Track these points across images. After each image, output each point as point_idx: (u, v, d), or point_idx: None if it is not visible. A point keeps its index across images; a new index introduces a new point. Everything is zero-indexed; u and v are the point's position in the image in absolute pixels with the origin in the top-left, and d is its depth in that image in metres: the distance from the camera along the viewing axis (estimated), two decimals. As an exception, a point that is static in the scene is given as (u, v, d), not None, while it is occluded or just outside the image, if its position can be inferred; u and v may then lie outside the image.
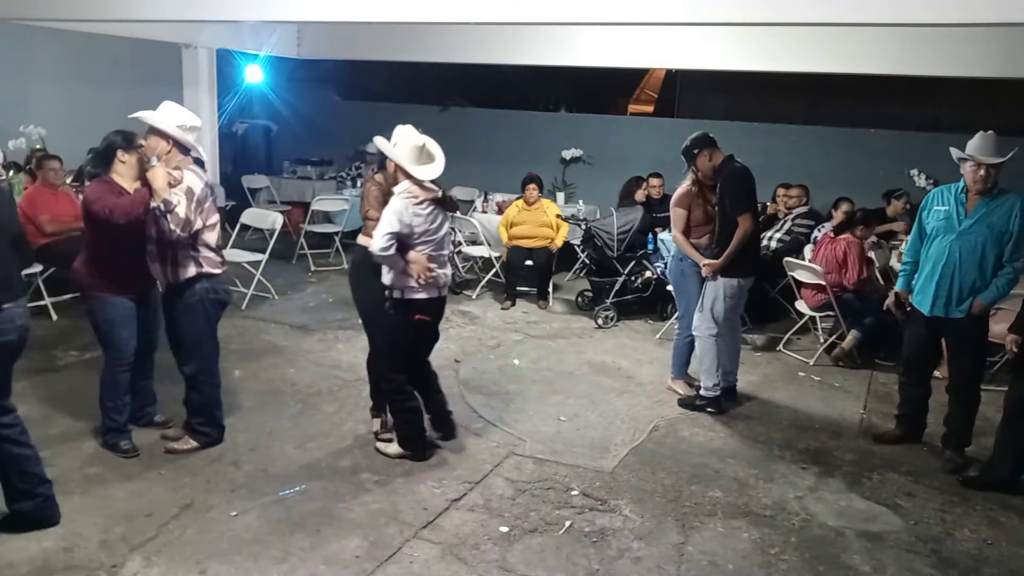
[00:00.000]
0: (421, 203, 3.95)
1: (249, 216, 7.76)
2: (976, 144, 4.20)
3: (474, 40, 7.44)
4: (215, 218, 4.08)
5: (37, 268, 6.16)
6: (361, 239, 4.36)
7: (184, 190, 3.87)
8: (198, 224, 3.94)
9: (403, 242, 3.94)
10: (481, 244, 7.92)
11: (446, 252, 4.18)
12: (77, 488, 3.80)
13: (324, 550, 3.42)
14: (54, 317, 6.26)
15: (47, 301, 6.26)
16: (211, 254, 4.07)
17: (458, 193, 9.85)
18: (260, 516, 3.65)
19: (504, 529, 3.64)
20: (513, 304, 7.41)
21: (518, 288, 7.55)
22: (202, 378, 4.19)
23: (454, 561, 3.39)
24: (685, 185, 5.11)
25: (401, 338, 4.16)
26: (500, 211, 8.28)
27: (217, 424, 4.30)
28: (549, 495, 3.97)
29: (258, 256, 7.22)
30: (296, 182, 10.21)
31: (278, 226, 7.41)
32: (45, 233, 6.13)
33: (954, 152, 4.29)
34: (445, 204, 4.11)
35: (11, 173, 6.85)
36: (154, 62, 8.04)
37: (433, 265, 4.00)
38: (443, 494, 3.92)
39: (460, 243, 8.10)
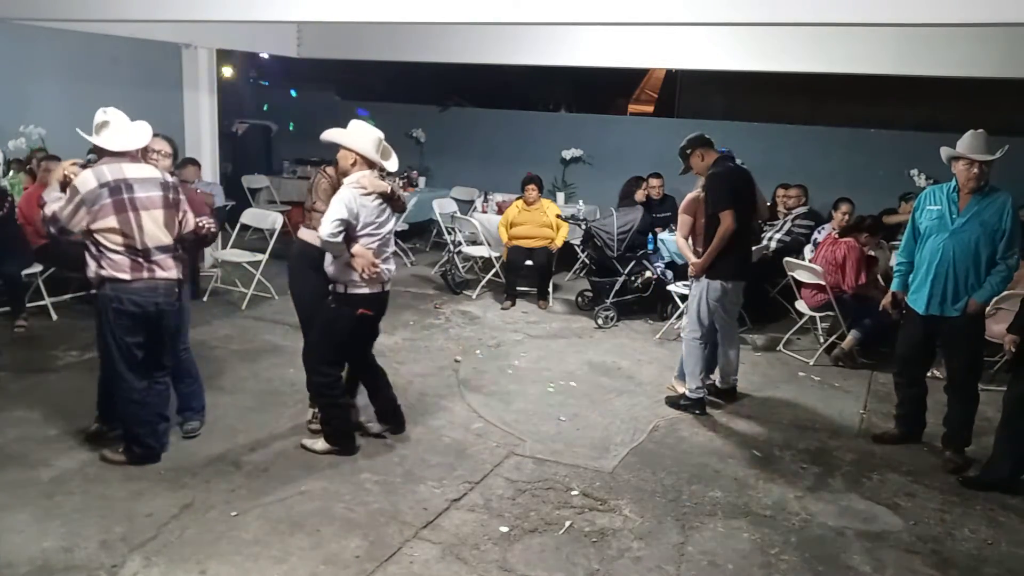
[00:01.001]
0: (369, 195, 3.99)
1: (249, 216, 7.75)
2: (967, 142, 4.21)
3: (474, 40, 7.43)
4: (110, 221, 3.73)
5: (37, 268, 6.17)
6: (303, 233, 4.31)
7: (70, 187, 3.77)
8: (81, 224, 3.72)
9: (348, 232, 3.96)
10: (481, 244, 7.93)
11: (390, 249, 4.21)
12: (77, 488, 3.80)
13: (324, 550, 3.42)
14: (54, 317, 6.26)
15: (47, 301, 6.26)
16: (118, 257, 3.78)
17: (458, 193, 9.88)
18: (260, 516, 3.65)
19: (504, 529, 3.65)
20: (513, 304, 7.41)
21: (518, 288, 7.55)
22: (115, 391, 4.00)
23: (454, 561, 3.39)
24: (694, 192, 5.13)
25: (341, 333, 4.18)
26: (500, 211, 8.29)
27: (139, 442, 4.02)
28: (549, 495, 3.97)
29: (258, 256, 7.22)
30: (296, 182, 10.21)
31: (278, 226, 7.40)
32: (43, 235, 6.12)
33: (944, 152, 4.30)
34: (393, 202, 4.13)
35: (11, 173, 6.86)
36: (154, 62, 8.04)
37: (377, 260, 4.03)
38: (443, 494, 3.92)
39: (460, 243, 8.11)
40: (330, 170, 4.24)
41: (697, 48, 7.01)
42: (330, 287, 4.11)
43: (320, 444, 4.29)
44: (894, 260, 6.47)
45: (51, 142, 7.08)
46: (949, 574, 3.49)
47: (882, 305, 4.76)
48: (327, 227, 3.87)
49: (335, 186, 4.12)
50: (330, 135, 4.10)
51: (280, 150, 11.11)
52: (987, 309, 4.47)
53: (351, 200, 3.93)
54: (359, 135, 4.08)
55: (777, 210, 7.68)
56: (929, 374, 4.75)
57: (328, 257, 4.05)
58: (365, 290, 4.07)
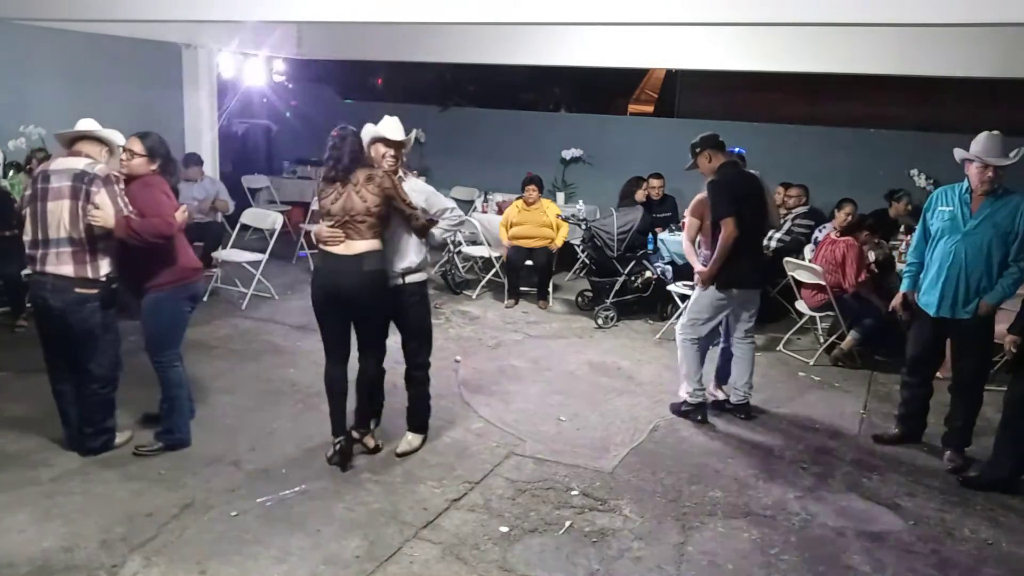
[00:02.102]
0: None
1: (249, 216, 7.76)
2: (982, 145, 4.16)
3: (474, 40, 7.44)
4: (27, 211, 3.85)
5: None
6: (376, 243, 4.01)
7: None
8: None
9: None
10: (481, 244, 7.93)
11: None
12: (77, 488, 3.80)
13: (324, 550, 3.42)
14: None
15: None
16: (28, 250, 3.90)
17: (458, 193, 9.89)
18: (260, 516, 3.65)
19: (504, 529, 3.64)
20: (516, 303, 7.42)
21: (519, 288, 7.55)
22: None
23: (454, 561, 3.39)
24: (701, 193, 5.06)
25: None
26: (500, 211, 8.29)
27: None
28: (549, 495, 3.97)
29: (258, 256, 7.22)
30: (296, 182, 10.22)
31: (278, 226, 7.41)
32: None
33: (958, 153, 4.25)
34: None
35: (11, 173, 6.86)
36: (154, 62, 8.04)
37: None
38: (443, 494, 3.92)
39: (460, 243, 8.11)
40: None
41: (697, 48, 7.01)
42: (412, 279, 4.19)
43: (418, 439, 4.41)
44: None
45: (51, 142, 7.08)
46: (949, 574, 3.49)
47: (892, 306, 4.73)
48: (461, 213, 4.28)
49: None
50: (397, 133, 4.09)
51: (280, 150, 11.11)
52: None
53: None
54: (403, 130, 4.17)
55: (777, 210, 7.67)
56: (938, 375, 4.73)
57: (417, 248, 4.14)
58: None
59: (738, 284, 4.79)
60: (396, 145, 4.10)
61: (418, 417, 4.43)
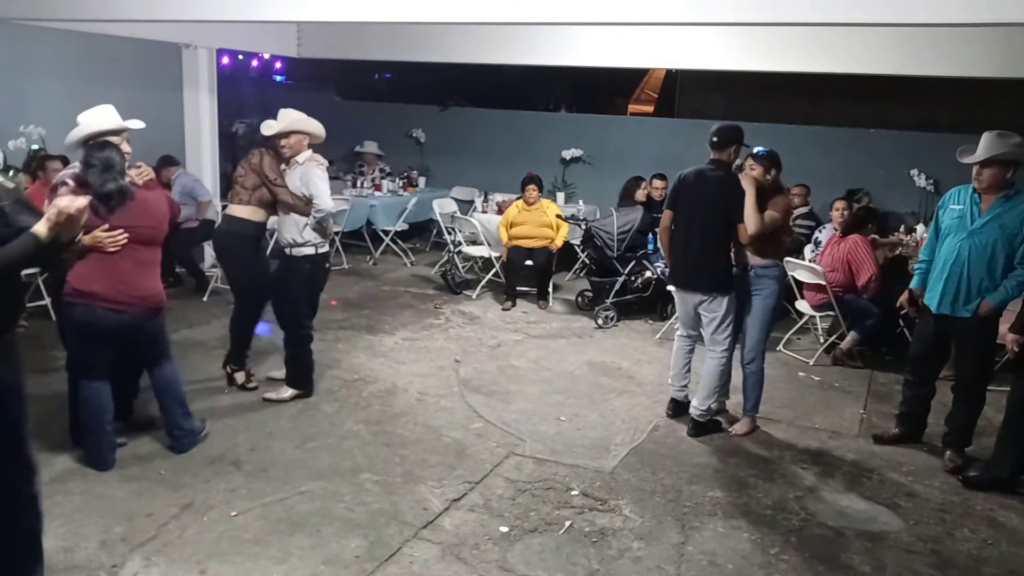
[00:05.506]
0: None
1: (249, 216, 7.73)
2: (978, 146, 4.17)
3: (474, 40, 7.43)
4: None
5: (36, 268, 6.15)
6: (241, 210, 4.98)
7: None
8: None
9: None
10: (481, 244, 7.93)
11: None
12: (77, 488, 3.80)
13: (324, 550, 3.42)
14: (54, 317, 6.24)
15: (47, 301, 6.26)
16: None
17: (458, 193, 9.89)
18: (260, 516, 3.66)
19: (504, 529, 3.65)
20: (514, 304, 7.41)
21: (518, 288, 7.55)
22: None
23: (454, 561, 3.39)
24: None
25: (317, 288, 5.02)
26: (500, 211, 8.28)
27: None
28: (549, 495, 3.97)
29: (258, 256, 7.20)
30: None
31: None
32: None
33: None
34: None
35: (11, 173, 6.85)
36: (154, 62, 8.04)
37: None
38: (443, 494, 3.92)
39: (460, 243, 8.11)
40: (270, 151, 4.90)
41: (697, 48, 7.00)
42: (300, 252, 4.78)
43: (289, 392, 4.95)
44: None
45: (51, 142, 7.08)
46: (949, 574, 3.49)
47: (899, 302, 4.73)
48: (331, 201, 4.76)
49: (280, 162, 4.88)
50: (301, 125, 4.84)
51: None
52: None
53: (325, 176, 4.85)
54: (305, 120, 4.87)
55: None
56: (941, 375, 4.73)
57: (302, 223, 4.75)
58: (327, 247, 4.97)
59: (674, 282, 4.89)
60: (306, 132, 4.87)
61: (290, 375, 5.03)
